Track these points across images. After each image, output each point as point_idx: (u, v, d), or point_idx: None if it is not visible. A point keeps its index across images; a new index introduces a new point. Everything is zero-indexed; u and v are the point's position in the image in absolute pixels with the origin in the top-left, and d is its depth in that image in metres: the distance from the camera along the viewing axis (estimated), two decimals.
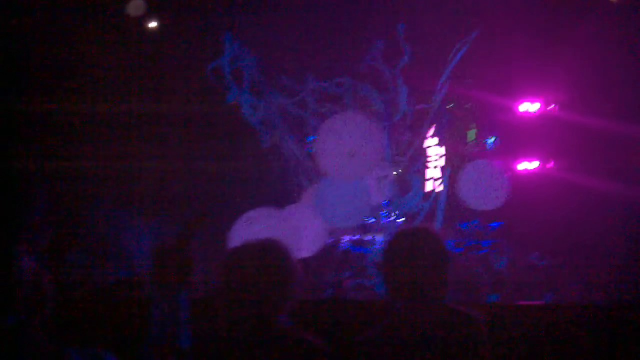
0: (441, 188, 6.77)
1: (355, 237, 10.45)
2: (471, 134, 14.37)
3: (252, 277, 1.91)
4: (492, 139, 14.20)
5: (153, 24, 11.82)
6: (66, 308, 2.76)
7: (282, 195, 5.73)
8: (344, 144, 4.92)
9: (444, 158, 14.81)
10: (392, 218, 6.07)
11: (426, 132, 6.49)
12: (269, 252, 1.98)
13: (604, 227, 10.68)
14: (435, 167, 15.09)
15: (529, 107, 13.47)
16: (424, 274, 2.04)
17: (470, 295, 7.46)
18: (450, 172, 7.02)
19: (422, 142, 6.59)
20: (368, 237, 6.27)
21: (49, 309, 1.46)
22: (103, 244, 10.46)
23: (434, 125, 13.05)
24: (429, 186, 14.90)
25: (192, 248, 1.59)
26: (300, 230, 5.15)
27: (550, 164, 13.56)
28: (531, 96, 13.41)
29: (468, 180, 5.81)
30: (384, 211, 6.12)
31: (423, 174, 14.57)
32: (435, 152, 15.09)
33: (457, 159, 11.85)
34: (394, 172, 6.11)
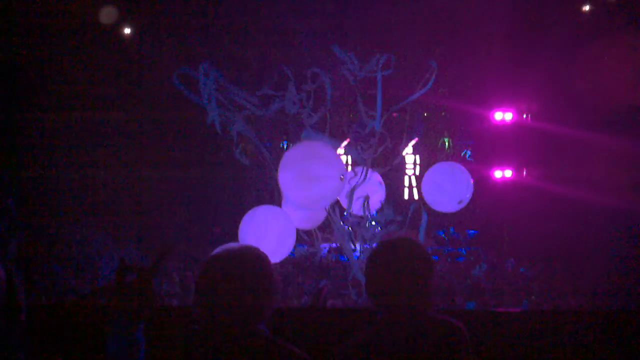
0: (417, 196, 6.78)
1: (334, 245, 10.43)
2: (447, 142, 14.53)
3: (231, 285, 1.88)
4: (469, 152, 14.38)
5: (127, 31, 11.71)
6: (40, 317, 2.69)
7: (257, 203, 5.69)
8: (305, 177, 4.86)
9: (419, 166, 14.96)
10: (372, 227, 6.06)
11: (402, 141, 6.54)
12: (248, 259, 1.95)
13: (577, 234, 10.87)
14: (411, 175, 15.22)
15: (502, 116, 13.69)
16: (407, 283, 2.04)
17: (447, 302, 7.49)
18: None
19: (398, 151, 6.59)
20: (348, 243, 6.24)
21: (23, 318, 1.42)
22: (78, 254, 10.27)
23: (410, 134, 13.16)
24: (405, 194, 15.02)
25: (155, 282, 1.55)
26: (266, 233, 5.08)
27: (524, 172, 13.78)
28: (504, 106, 13.64)
29: (431, 182, 5.80)
30: (364, 220, 6.10)
31: (401, 182, 14.71)
32: (411, 160, 15.22)
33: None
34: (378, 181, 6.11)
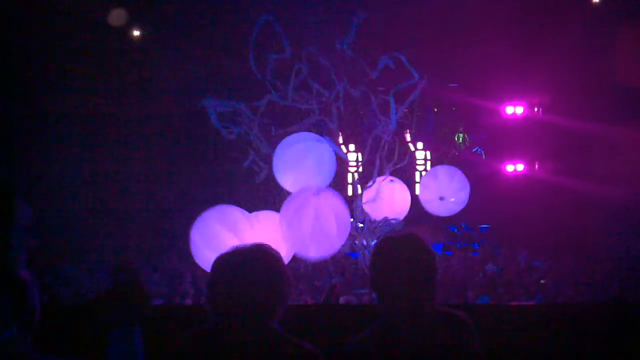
0: None
1: (346, 241, 10.40)
2: (459, 137, 14.44)
3: (243, 283, 1.88)
4: (480, 150, 14.28)
5: (136, 33, 11.78)
6: (54, 319, 2.72)
7: (263, 202, 5.67)
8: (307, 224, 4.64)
9: (430, 162, 14.89)
10: (384, 221, 6.04)
11: (413, 136, 6.48)
12: (261, 256, 1.95)
13: (590, 227, 10.78)
14: (422, 171, 15.15)
15: (513, 110, 13.59)
16: (410, 277, 2.05)
17: (461, 297, 7.47)
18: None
19: (408, 147, 6.55)
20: (359, 241, 6.23)
21: (37, 321, 1.43)
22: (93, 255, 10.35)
23: (421, 129, 13.06)
24: (417, 190, 14.94)
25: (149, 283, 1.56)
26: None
27: (536, 166, 13.69)
28: (515, 99, 13.54)
29: (426, 186, 5.75)
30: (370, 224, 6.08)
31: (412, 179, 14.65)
32: (422, 156, 15.15)
33: (445, 161, 11.84)
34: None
